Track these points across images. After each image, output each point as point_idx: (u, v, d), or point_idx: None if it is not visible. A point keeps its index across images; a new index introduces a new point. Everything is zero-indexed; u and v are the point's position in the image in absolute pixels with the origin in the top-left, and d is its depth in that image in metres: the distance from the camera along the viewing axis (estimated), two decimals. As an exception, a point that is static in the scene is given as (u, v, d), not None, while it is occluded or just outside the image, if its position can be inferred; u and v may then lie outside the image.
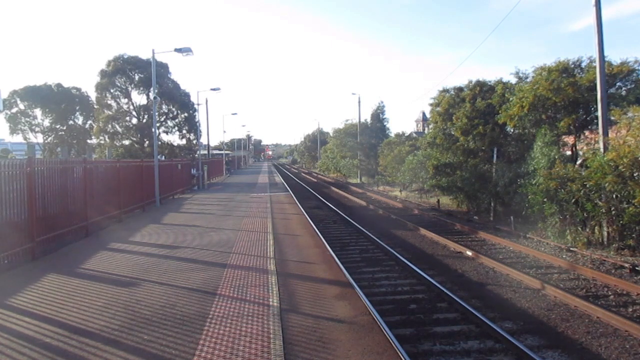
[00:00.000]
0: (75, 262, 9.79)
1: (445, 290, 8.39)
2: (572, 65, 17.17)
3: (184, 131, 37.93)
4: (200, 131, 39.38)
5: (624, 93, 16.14)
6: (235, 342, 5.51)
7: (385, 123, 48.29)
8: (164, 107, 36.12)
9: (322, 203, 24.74)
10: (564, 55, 41.76)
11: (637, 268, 9.89)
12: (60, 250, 11.13)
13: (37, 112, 41.69)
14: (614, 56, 48.92)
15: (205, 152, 44.53)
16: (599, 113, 13.34)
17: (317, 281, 8.61)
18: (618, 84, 16.48)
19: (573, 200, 12.81)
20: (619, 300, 8.26)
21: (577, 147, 17.19)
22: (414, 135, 47.78)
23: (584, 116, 16.94)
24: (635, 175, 11.24)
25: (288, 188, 32.51)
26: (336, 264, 9.98)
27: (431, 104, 26.56)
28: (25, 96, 40.53)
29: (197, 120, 37.99)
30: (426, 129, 59.38)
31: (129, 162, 19.16)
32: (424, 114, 79.80)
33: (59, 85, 41.89)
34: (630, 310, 7.74)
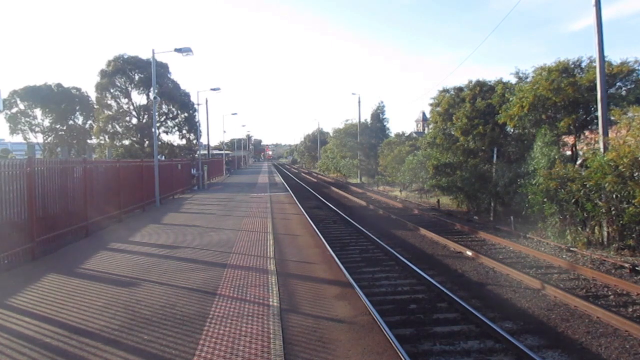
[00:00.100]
0: (75, 262, 9.79)
1: (445, 290, 8.39)
2: (572, 65, 17.18)
3: (184, 131, 37.95)
4: (200, 131, 39.42)
5: (624, 93, 16.14)
6: (235, 342, 5.51)
7: (385, 123, 48.33)
8: (164, 107, 36.12)
9: (322, 203, 24.74)
10: (564, 55, 41.77)
11: (637, 268, 9.89)
12: (60, 250, 11.13)
13: (37, 112, 41.76)
14: (614, 56, 48.91)
15: (205, 152, 44.53)
16: (599, 113, 13.34)
17: (317, 281, 8.61)
18: (618, 84, 16.48)
19: (573, 200, 12.81)
20: (619, 300, 8.26)
21: (577, 147, 17.19)
22: (414, 135, 47.78)
23: (584, 116, 16.94)
24: (635, 175, 11.24)
25: (288, 188, 32.51)
26: (336, 264, 9.98)
27: (431, 104, 26.57)
28: (25, 96, 40.55)
29: (197, 120, 38.03)
30: (426, 129, 59.37)
31: (129, 162, 19.16)
32: (424, 114, 79.84)
33: (59, 85, 41.92)
34: (630, 310, 7.74)
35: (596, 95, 13.48)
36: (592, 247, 12.34)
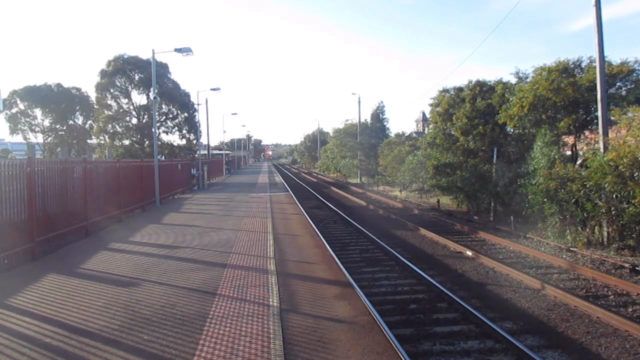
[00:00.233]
0: (75, 262, 9.78)
1: (445, 290, 8.39)
2: (572, 65, 17.18)
3: (184, 131, 37.95)
4: (200, 131, 39.42)
5: (624, 93, 16.14)
6: (235, 342, 5.51)
7: (385, 123, 48.31)
8: (164, 107, 36.12)
9: (322, 203, 24.74)
10: (564, 55, 41.78)
11: (637, 268, 9.89)
12: (60, 250, 11.13)
13: (37, 112, 41.75)
14: (614, 56, 48.90)
15: (205, 152, 44.52)
16: (599, 113, 13.34)
17: (317, 281, 8.61)
18: (618, 84, 16.48)
19: (573, 200, 12.81)
20: (619, 300, 8.26)
21: (577, 147, 17.19)
22: (414, 135, 47.78)
23: (584, 116, 16.94)
24: (635, 175, 11.24)
25: (288, 188, 32.51)
26: (336, 264, 9.98)
27: (431, 104, 26.57)
28: (25, 96, 40.54)
29: (197, 120, 38.03)
30: (426, 129, 59.40)
31: (129, 162, 19.16)
32: (424, 114, 79.85)
33: (59, 85, 41.91)
34: (630, 310, 7.74)
35: (596, 95, 13.48)
36: (592, 247, 12.34)
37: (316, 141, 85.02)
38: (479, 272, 10.33)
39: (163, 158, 31.27)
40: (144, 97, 35.56)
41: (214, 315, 6.42)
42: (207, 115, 53.92)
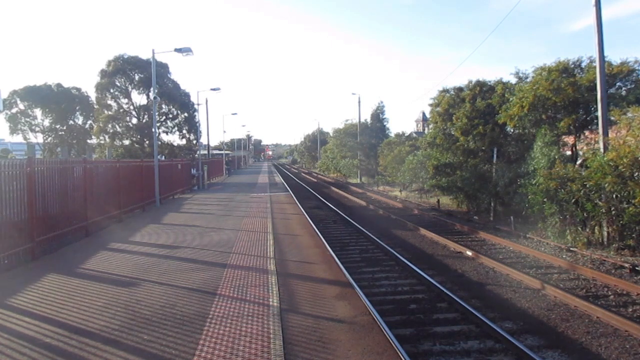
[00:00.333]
0: (75, 262, 9.79)
1: (445, 290, 8.39)
2: (572, 65, 17.18)
3: (184, 131, 37.96)
4: (200, 131, 39.42)
5: (624, 93, 16.15)
6: (235, 342, 5.51)
7: (385, 123, 48.28)
8: (164, 107, 36.13)
9: (322, 203, 24.74)
10: (564, 55, 41.86)
11: (637, 268, 9.89)
12: (60, 250, 11.13)
13: (37, 112, 41.75)
14: (614, 56, 48.97)
15: (205, 152, 44.53)
16: (599, 113, 13.34)
17: (317, 281, 8.61)
18: (618, 84, 16.49)
19: (573, 200, 12.81)
20: (619, 300, 8.26)
21: (577, 147, 17.19)
22: (414, 135, 47.79)
23: (584, 116, 16.94)
24: (635, 175, 11.25)
25: (288, 188, 32.51)
26: (336, 264, 9.98)
27: (431, 104, 26.57)
28: (25, 96, 40.54)
29: (197, 120, 38.04)
30: (426, 129, 59.41)
31: (129, 162, 19.16)
32: (424, 114, 79.86)
33: (59, 85, 41.92)
34: (630, 310, 7.74)
35: (596, 95, 13.48)
36: (592, 247, 12.34)
37: (316, 141, 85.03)
38: (479, 272, 10.33)
39: (163, 158, 31.27)
40: (144, 97, 35.63)
41: (214, 315, 6.42)
42: (207, 115, 53.95)
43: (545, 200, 13.61)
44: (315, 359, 5.30)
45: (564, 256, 11.62)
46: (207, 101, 52.02)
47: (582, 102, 16.20)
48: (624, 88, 16.45)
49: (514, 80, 20.41)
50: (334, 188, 36.10)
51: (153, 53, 21.89)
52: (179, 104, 36.74)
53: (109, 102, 35.20)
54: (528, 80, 18.62)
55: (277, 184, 38.77)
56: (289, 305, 7.01)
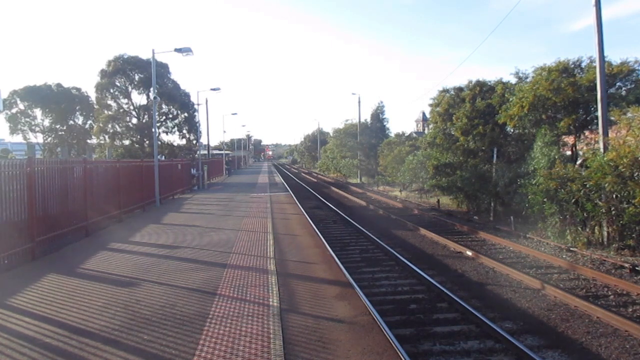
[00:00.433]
0: (75, 262, 9.78)
1: (445, 290, 8.39)
2: (572, 65, 17.19)
3: (184, 131, 37.96)
4: (200, 131, 39.43)
5: (623, 93, 16.16)
6: (235, 342, 5.51)
7: (385, 123, 48.35)
8: (164, 107, 36.12)
9: (322, 203, 24.74)
10: (564, 55, 41.83)
11: (637, 268, 9.89)
12: (60, 250, 11.13)
13: (37, 112, 41.79)
14: (614, 56, 49.03)
15: (205, 152, 44.53)
16: (599, 113, 13.34)
17: (317, 281, 8.61)
18: (618, 84, 16.50)
19: (573, 200, 12.81)
20: (619, 300, 8.26)
21: (577, 147, 17.20)
22: (414, 135, 47.81)
23: (584, 116, 16.95)
24: (635, 175, 11.25)
25: (288, 188, 32.51)
26: (336, 264, 9.98)
27: (431, 104, 26.59)
28: (25, 96, 40.56)
29: (197, 120, 38.05)
30: (426, 129, 59.42)
31: (129, 162, 19.16)
32: (424, 114, 79.86)
33: (59, 85, 41.94)
34: (630, 310, 7.74)
35: (596, 95, 13.48)
36: (592, 247, 12.34)
37: (316, 141, 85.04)
38: (479, 272, 10.33)
39: (163, 158, 31.27)
40: (144, 97, 35.62)
41: (214, 315, 6.42)
42: (207, 115, 54.01)
43: (545, 200, 13.61)
44: (315, 359, 5.30)
45: (564, 256, 11.62)
46: (207, 101, 52.07)
47: (582, 102, 16.20)
48: (624, 88, 16.46)
49: (514, 80, 20.46)
50: (333, 188, 36.11)
51: (153, 53, 21.91)
52: (179, 104, 36.74)
53: (109, 102, 35.21)
54: (528, 80, 18.63)
55: (277, 184, 38.78)
56: (289, 305, 7.01)
